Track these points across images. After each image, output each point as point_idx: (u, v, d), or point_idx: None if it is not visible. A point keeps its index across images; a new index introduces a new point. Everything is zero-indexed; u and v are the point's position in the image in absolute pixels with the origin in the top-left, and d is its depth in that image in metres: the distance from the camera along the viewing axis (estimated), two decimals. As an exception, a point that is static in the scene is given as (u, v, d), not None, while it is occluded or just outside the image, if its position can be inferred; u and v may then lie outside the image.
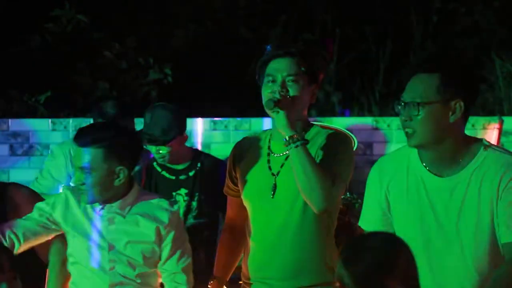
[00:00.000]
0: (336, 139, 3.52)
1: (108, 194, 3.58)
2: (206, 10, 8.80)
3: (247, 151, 3.62)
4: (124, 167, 3.55)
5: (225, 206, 4.83)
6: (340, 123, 5.78)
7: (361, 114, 7.79)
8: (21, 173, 5.89)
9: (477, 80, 3.19)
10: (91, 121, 6.04)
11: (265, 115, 6.34)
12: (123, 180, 3.57)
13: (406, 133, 3.19)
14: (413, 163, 3.22)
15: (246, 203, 3.59)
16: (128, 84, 8.13)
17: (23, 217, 3.62)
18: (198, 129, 6.00)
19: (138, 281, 3.60)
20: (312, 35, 8.58)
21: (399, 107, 3.18)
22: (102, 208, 3.60)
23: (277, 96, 3.43)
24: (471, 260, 3.09)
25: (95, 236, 3.58)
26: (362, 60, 8.44)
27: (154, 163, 4.78)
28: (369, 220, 3.29)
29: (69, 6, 8.14)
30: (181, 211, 4.66)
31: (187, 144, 4.90)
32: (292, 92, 3.48)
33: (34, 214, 3.62)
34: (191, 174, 4.75)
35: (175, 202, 3.86)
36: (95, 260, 3.58)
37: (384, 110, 7.85)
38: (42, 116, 7.19)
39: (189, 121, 4.91)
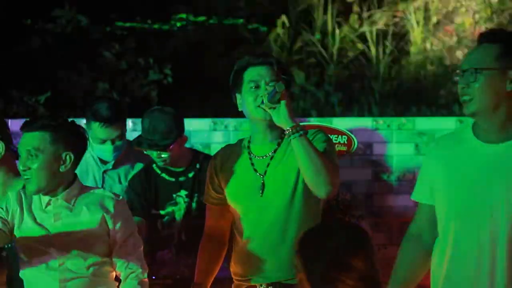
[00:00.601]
0: (316, 133, 3.65)
1: (53, 182, 3.56)
2: (206, 10, 8.81)
3: (227, 159, 3.75)
4: (71, 153, 3.57)
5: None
6: (340, 123, 5.78)
7: (361, 114, 7.79)
8: (21, 174, 5.90)
9: None
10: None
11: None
12: (69, 167, 3.57)
13: (464, 101, 3.16)
14: (467, 135, 3.24)
15: (234, 206, 3.70)
16: (128, 84, 8.13)
17: None
18: (198, 129, 6.00)
19: (90, 271, 3.59)
20: (312, 36, 8.59)
21: (457, 76, 3.19)
22: (48, 204, 3.60)
23: (276, 89, 3.52)
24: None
25: (41, 235, 3.56)
26: (362, 61, 8.44)
27: (154, 165, 4.76)
28: (419, 192, 3.36)
29: (69, 6, 8.15)
30: (182, 213, 4.65)
31: (186, 145, 4.90)
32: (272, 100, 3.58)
33: None
34: (190, 175, 4.75)
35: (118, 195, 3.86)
36: (44, 260, 3.57)
37: (384, 110, 7.86)
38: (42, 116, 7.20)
39: (189, 121, 4.91)
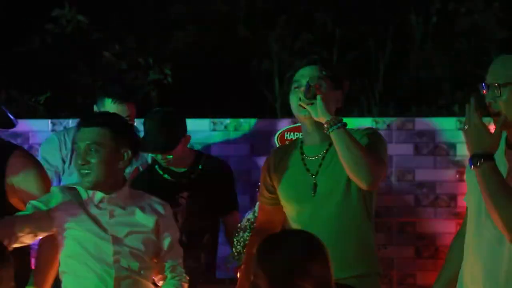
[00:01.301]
0: (370, 131, 3.71)
1: (110, 179, 3.61)
2: (206, 10, 8.81)
3: (281, 159, 3.78)
4: (129, 150, 3.63)
5: (225, 209, 4.85)
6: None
7: (360, 114, 7.79)
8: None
9: None
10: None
11: (264, 115, 6.34)
12: (126, 163, 3.64)
13: (493, 114, 3.17)
14: (502, 143, 3.24)
15: (287, 206, 3.74)
16: (128, 84, 8.13)
17: (18, 214, 3.62)
18: (198, 129, 5.99)
19: (142, 273, 3.63)
20: (312, 35, 8.59)
21: (484, 89, 3.19)
22: (102, 201, 3.62)
23: (310, 83, 3.57)
24: None
25: (96, 230, 3.59)
26: (362, 61, 8.44)
27: (156, 166, 4.76)
28: (466, 195, 3.38)
29: (69, 7, 8.15)
30: (183, 214, 4.66)
31: (187, 145, 4.90)
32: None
33: (29, 211, 3.61)
34: (192, 176, 4.75)
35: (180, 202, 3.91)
36: (99, 255, 3.59)
37: (384, 111, 7.85)
38: (42, 116, 7.19)
39: (188, 121, 4.91)
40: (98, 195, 3.63)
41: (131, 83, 5.19)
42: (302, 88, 3.61)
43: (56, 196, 3.65)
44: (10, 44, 8.05)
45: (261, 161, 6.09)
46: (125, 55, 8.25)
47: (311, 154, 3.70)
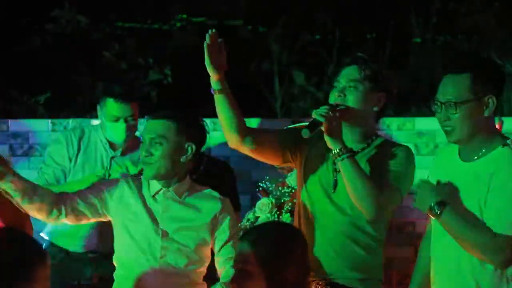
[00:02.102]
0: (401, 153, 3.67)
1: (171, 172, 3.64)
2: (206, 10, 8.80)
3: (315, 143, 3.70)
4: (193, 144, 3.66)
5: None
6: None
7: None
8: (21, 174, 5.88)
9: (503, 74, 3.34)
10: (91, 121, 6.03)
11: (264, 115, 6.33)
12: (190, 157, 3.68)
13: (446, 131, 3.34)
14: (454, 153, 3.43)
15: (306, 194, 3.69)
16: (130, 84, 8.13)
17: (80, 192, 3.69)
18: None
19: (190, 269, 3.64)
20: (312, 36, 8.58)
21: (436, 106, 3.34)
22: (157, 193, 3.62)
23: (317, 118, 3.53)
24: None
25: (149, 223, 3.61)
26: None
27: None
28: None
29: (69, 7, 8.14)
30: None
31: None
32: (350, 96, 3.63)
33: (92, 194, 3.68)
34: (194, 177, 4.75)
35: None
36: (147, 248, 3.61)
37: (384, 111, 7.84)
38: (42, 116, 7.19)
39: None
40: (156, 187, 3.67)
41: (132, 83, 5.21)
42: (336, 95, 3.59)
43: (117, 188, 3.70)
44: (10, 44, 8.05)
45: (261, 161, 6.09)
46: (125, 55, 8.25)
47: None
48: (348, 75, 3.63)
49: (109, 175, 4.60)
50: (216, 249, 3.72)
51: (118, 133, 4.73)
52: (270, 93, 8.49)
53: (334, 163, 3.62)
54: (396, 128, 5.94)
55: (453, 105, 3.26)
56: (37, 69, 7.89)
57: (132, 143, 4.84)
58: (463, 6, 8.57)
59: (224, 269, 3.72)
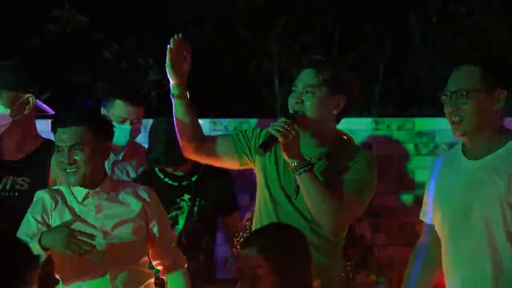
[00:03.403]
0: (362, 159, 3.60)
1: (95, 172, 3.63)
2: (206, 10, 8.80)
3: (276, 144, 3.64)
4: (107, 141, 3.69)
5: (224, 210, 4.84)
6: (340, 123, 5.77)
7: (360, 114, 7.79)
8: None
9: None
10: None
11: (264, 116, 6.34)
12: (108, 153, 3.72)
13: (452, 122, 3.29)
14: (457, 154, 3.38)
15: (267, 194, 3.65)
16: (128, 84, 8.13)
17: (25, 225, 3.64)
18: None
19: (137, 261, 3.64)
20: (312, 36, 8.58)
21: (445, 97, 3.28)
22: (86, 197, 3.63)
23: (275, 134, 3.48)
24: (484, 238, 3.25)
25: (84, 229, 3.57)
26: (361, 61, 8.44)
27: (156, 169, 4.75)
28: (424, 213, 3.51)
29: (69, 7, 8.14)
30: (184, 217, 4.65)
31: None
32: (307, 102, 3.57)
33: (33, 224, 3.63)
34: (193, 179, 4.74)
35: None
36: (91, 254, 3.57)
37: (384, 111, 7.85)
38: (42, 116, 7.18)
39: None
40: (82, 191, 3.65)
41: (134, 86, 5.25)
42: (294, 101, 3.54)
43: (39, 205, 3.66)
44: (10, 44, 8.04)
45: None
46: (125, 55, 8.24)
47: (306, 154, 3.57)
48: (305, 80, 3.56)
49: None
50: (155, 242, 3.73)
51: (123, 134, 4.75)
52: (270, 93, 8.50)
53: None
54: (396, 128, 5.94)
55: (464, 94, 3.21)
56: (37, 69, 7.88)
57: (134, 148, 4.85)
58: (463, 6, 8.57)
59: (164, 267, 3.76)
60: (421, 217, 3.54)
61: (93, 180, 3.65)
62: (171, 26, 8.66)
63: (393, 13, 8.67)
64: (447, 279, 3.41)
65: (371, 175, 3.61)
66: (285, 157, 3.49)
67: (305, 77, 3.58)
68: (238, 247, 4.47)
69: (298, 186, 3.57)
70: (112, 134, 3.74)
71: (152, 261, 3.78)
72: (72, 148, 3.59)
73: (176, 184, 4.71)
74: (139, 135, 4.97)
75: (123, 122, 4.74)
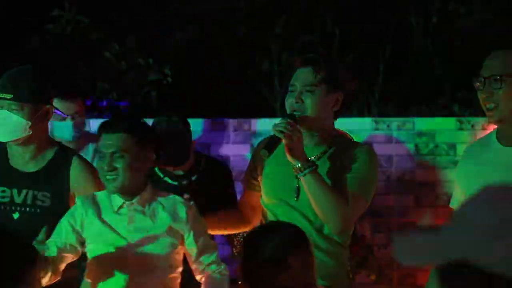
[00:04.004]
0: (363, 155, 3.58)
1: (134, 181, 3.61)
2: (206, 10, 8.80)
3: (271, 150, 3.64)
4: (151, 152, 3.67)
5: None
6: (340, 123, 5.78)
7: (360, 114, 7.79)
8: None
9: None
10: (90, 121, 6.03)
11: (264, 116, 6.35)
12: (149, 165, 3.70)
13: (487, 109, 3.19)
14: (491, 140, 3.28)
15: (267, 202, 3.67)
16: (128, 84, 8.13)
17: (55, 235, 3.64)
18: (197, 129, 5.99)
19: (158, 276, 3.63)
20: (312, 36, 8.58)
21: (479, 83, 3.19)
22: (121, 207, 3.63)
23: (279, 135, 3.46)
24: None
25: (114, 239, 3.59)
26: (361, 61, 8.44)
27: (156, 168, 4.75)
28: (454, 201, 3.45)
29: (69, 7, 8.14)
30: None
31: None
32: (308, 101, 3.53)
33: (64, 231, 3.63)
34: (193, 178, 4.74)
35: (190, 199, 3.89)
36: (117, 264, 3.58)
37: (384, 111, 7.85)
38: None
39: (188, 121, 4.90)
40: (118, 200, 3.64)
41: (75, 80, 5.19)
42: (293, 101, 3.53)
43: (78, 211, 3.66)
44: (10, 44, 8.05)
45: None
46: (125, 55, 8.24)
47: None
48: (303, 79, 3.53)
49: None
50: (192, 260, 3.70)
51: (66, 131, 4.72)
52: (270, 93, 8.50)
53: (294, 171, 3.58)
54: (396, 128, 5.94)
55: (498, 79, 3.12)
56: (37, 69, 7.88)
57: (83, 142, 4.82)
58: (463, 6, 8.57)
59: (205, 273, 3.72)
60: (451, 205, 3.47)
61: (132, 189, 3.63)
62: (171, 26, 8.67)
63: (393, 13, 8.67)
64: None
65: (373, 172, 3.61)
66: (289, 158, 3.46)
67: (303, 76, 3.55)
68: (238, 247, 4.47)
69: (298, 188, 3.55)
70: (157, 145, 3.74)
71: (197, 277, 3.76)
72: (113, 155, 3.57)
73: (176, 183, 4.71)
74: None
75: (64, 119, 4.71)
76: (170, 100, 7.76)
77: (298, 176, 3.46)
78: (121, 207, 3.64)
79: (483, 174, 3.22)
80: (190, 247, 3.67)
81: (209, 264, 3.69)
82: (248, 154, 5.93)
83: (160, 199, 3.71)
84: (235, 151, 5.95)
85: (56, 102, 4.69)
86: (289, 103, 3.57)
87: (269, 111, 8.26)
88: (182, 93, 7.96)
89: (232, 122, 6.02)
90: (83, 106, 4.80)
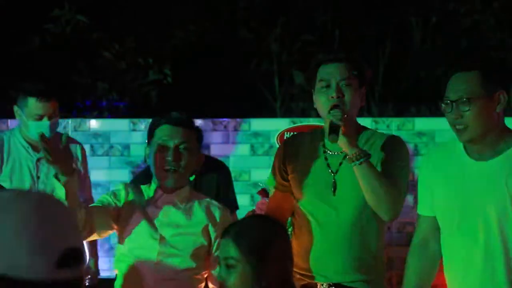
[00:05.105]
0: (395, 144, 3.64)
1: (187, 177, 3.65)
2: (206, 11, 8.81)
3: (299, 147, 3.70)
4: (201, 153, 3.72)
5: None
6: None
7: (360, 114, 7.79)
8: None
9: (509, 70, 3.32)
10: (90, 121, 6.03)
11: (264, 115, 6.34)
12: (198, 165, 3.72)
13: (457, 130, 3.30)
14: (458, 152, 3.38)
15: (304, 200, 3.67)
16: (128, 84, 8.13)
17: (95, 206, 3.62)
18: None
19: (188, 275, 3.62)
20: (311, 36, 8.59)
21: (445, 105, 3.30)
22: (159, 199, 3.63)
23: (335, 122, 3.49)
24: (498, 241, 3.26)
25: (147, 229, 3.58)
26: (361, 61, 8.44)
27: (154, 170, 4.75)
28: (422, 205, 3.50)
29: (69, 7, 8.14)
30: (183, 217, 4.65)
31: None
32: (347, 95, 3.58)
33: (103, 205, 3.62)
34: (191, 178, 4.74)
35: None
36: (144, 254, 3.58)
37: (384, 111, 7.85)
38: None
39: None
40: (158, 193, 3.64)
41: (51, 79, 5.20)
42: (328, 124, 3.54)
43: (123, 194, 3.65)
44: (10, 44, 8.05)
45: (261, 161, 6.08)
46: (125, 55, 8.25)
47: (333, 149, 3.61)
48: (340, 74, 3.58)
49: (38, 177, 4.59)
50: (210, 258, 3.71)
51: (43, 131, 4.70)
52: (270, 93, 8.50)
53: (329, 166, 3.60)
54: (396, 128, 5.94)
55: (466, 101, 3.21)
56: (37, 69, 7.89)
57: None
58: (463, 6, 8.57)
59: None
60: (419, 210, 3.54)
61: (177, 185, 3.63)
62: (171, 26, 8.67)
63: (393, 13, 8.67)
64: (453, 281, 3.41)
65: (406, 158, 3.65)
66: (344, 146, 3.48)
67: (338, 71, 3.60)
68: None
69: (335, 183, 3.59)
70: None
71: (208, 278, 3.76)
72: (178, 147, 3.58)
73: (174, 184, 4.71)
74: (139, 135, 4.96)
75: (40, 118, 4.69)
76: (170, 100, 7.76)
77: (353, 165, 3.47)
78: (159, 199, 3.66)
79: (462, 191, 3.31)
80: (212, 249, 3.66)
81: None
82: (248, 154, 5.93)
83: (195, 198, 3.71)
84: (235, 151, 5.95)
85: (31, 101, 4.66)
86: (327, 97, 3.59)
87: (269, 111, 8.26)
88: (182, 93, 7.96)
89: (232, 122, 6.02)
90: (57, 106, 4.78)
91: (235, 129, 6.02)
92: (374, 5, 8.75)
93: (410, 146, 5.94)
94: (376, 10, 8.70)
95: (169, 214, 3.65)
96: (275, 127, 5.91)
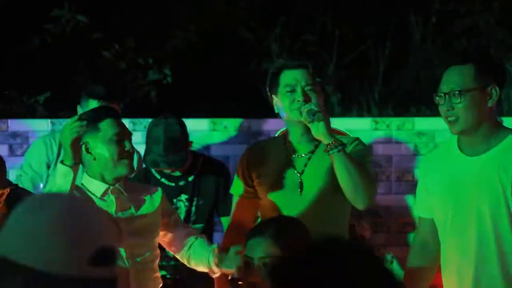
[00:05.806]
0: (360, 144, 3.81)
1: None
2: (206, 10, 8.80)
3: (262, 154, 3.86)
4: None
5: (222, 210, 4.85)
6: (340, 123, 5.77)
7: (360, 114, 7.79)
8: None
9: (503, 66, 3.40)
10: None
11: (264, 115, 6.36)
12: None
13: (449, 122, 3.35)
14: (453, 149, 3.44)
15: (270, 202, 3.80)
16: (128, 84, 8.13)
17: None
18: (197, 129, 5.99)
19: (153, 261, 3.66)
20: (311, 36, 8.58)
21: (438, 98, 3.35)
22: (106, 194, 3.64)
23: (314, 108, 3.65)
24: (493, 233, 3.30)
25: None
26: (361, 61, 8.44)
27: (153, 170, 4.74)
28: (420, 207, 3.59)
29: (69, 7, 8.14)
30: (182, 217, 4.64)
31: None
32: (314, 99, 3.74)
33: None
34: (190, 179, 4.73)
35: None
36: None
37: (384, 111, 7.85)
38: (42, 116, 7.19)
39: (188, 121, 4.90)
40: (101, 187, 3.64)
41: (114, 83, 5.21)
42: (304, 109, 3.65)
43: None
44: (9, 44, 8.04)
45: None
46: (125, 55, 8.24)
47: (297, 152, 3.78)
48: (305, 79, 3.74)
49: None
50: (171, 228, 3.77)
51: None
52: (270, 93, 8.48)
53: (294, 167, 3.73)
54: (395, 128, 5.94)
55: (458, 94, 3.27)
56: (37, 69, 7.88)
57: None
58: (463, 6, 8.56)
59: (186, 239, 3.80)
60: (417, 213, 3.62)
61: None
62: (171, 26, 8.67)
63: (393, 13, 8.67)
64: (448, 276, 3.43)
65: (369, 154, 3.89)
66: (322, 136, 3.60)
67: (302, 77, 3.76)
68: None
69: (301, 182, 3.69)
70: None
71: (174, 251, 3.81)
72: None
73: (173, 184, 4.71)
74: (138, 135, 4.96)
75: None
76: (170, 100, 7.76)
77: (331, 152, 3.59)
78: (105, 193, 3.68)
79: (457, 188, 3.37)
80: (169, 221, 3.83)
81: (189, 230, 3.91)
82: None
83: (134, 185, 3.86)
84: (235, 151, 5.95)
85: (95, 105, 4.71)
86: (290, 101, 3.71)
87: (269, 111, 8.25)
88: (182, 93, 7.95)
89: (232, 122, 6.02)
90: (118, 108, 4.85)
91: (235, 129, 6.02)
92: (374, 5, 8.75)
93: (410, 146, 5.94)
94: (376, 10, 8.70)
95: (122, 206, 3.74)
96: (275, 127, 5.91)
